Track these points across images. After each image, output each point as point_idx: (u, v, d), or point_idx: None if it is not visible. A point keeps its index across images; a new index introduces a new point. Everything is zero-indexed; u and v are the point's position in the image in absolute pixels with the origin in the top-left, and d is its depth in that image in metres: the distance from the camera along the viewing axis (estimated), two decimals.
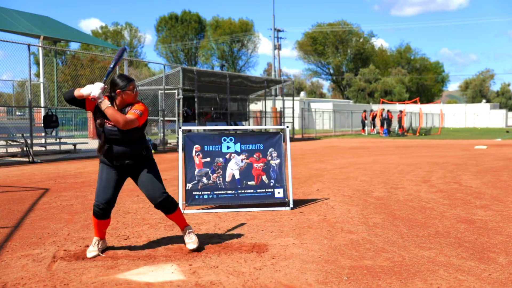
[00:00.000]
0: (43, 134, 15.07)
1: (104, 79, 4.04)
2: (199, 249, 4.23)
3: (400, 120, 33.72)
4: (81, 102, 3.99)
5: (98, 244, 4.12)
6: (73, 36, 18.31)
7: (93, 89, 3.85)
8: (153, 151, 4.33)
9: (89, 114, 25.10)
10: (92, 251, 4.06)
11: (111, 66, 4.09)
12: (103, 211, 4.02)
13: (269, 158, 6.26)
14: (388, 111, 32.98)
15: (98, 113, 3.99)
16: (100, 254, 4.07)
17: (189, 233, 4.29)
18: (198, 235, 4.65)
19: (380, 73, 74.64)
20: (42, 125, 15.01)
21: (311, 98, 61.13)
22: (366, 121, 35.88)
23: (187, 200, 5.99)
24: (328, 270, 3.69)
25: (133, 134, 4.03)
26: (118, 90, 3.98)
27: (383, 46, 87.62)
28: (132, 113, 3.95)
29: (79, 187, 8.08)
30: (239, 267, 3.77)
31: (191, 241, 4.23)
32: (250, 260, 3.95)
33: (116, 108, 3.99)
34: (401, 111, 33.53)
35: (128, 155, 4.04)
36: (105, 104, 3.87)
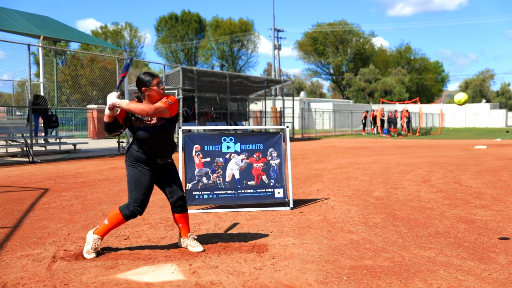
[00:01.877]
0: (42, 134, 15.08)
1: (117, 89, 4.06)
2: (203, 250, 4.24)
3: (408, 121, 33.67)
4: (118, 123, 4.00)
5: (97, 244, 4.08)
6: (73, 36, 18.31)
7: (108, 100, 3.86)
8: None
9: (89, 114, 25.12)
10: (91, 253, 4.02)
11: (121, 76, 4.12)
12: (138, 214, 4.05)
13: (269, 158, 6.26)
14: (395, 111, 32.99)
15: (132, 118, 4.00)
16: (98, 253, 4.05)
17: (194, 238, 4.30)
18: (198, 235, 4.66)
19: (380, 73, 74.64)
20: (42, 124, 15.03)
21: (311, 98, 61.14)
22: (365, 121, 35.93)
23: (187, 200, 5.99)
24: (328, 270, 3.69)
25: (169, 130, 4.03)
26: (143, 88, 3.95)
27: (383, 46, 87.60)
28: (161, 101, 3.91)
29: (79, 187, 8.08)
30: (239, 267, 3.77)
31: (197, 245, 4.24)
32: (250, 260, 3.95)
33: None
34: (407, 111, 33.48)
35: (171, 153, 4.12)
36: (124, 102, 3.85)
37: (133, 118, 4.00)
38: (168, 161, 4.13)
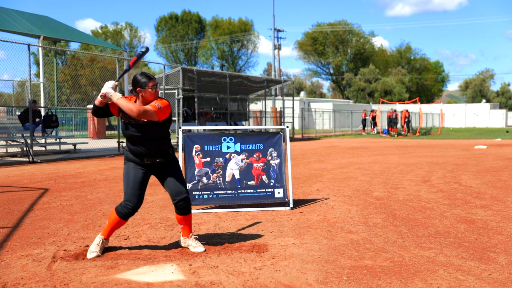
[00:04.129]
0: (39, 134, 15.07)
1: (119, 77, 4.05)
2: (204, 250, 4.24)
3: (408, 121, 33.64)
4: (108, 111, 4.00)
5: (101, 244, 4.10)
6: (73, 36, 18.31)
7: (103, 88, 3.87)
8: None
9: (89, 114, 25.11)
10: (93, 251, 4.04)
11: (130, 63, 4.10)
12: (132, 212, 4.04)
13: (269, 158, 6.26)
14: (395, 111, 32.97)
15: (121, 113, 3.99)
16: (100, 254, 4.06)
17: (195, 238, 4.29)
18: (198, 235, 4.66)
19: (380, 73, 74.62)
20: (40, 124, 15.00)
21: (311, 98, 61.13)
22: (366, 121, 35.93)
23: None
24: (328, 270, 3.69)
25: (157, 131, 3.99)
26: (138, 88, 3.95)
27: (383, 46, 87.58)
28: (151, 105, 3.90)
29: (79, 187, 8.08)
30: (239, 267, 3.77)
31: (198, 245, 4.23)
32: (250, 260, 3.95)
33: None
34: (407, 111, 33.46)
35: (158, 153, 4.05)
36: (116, 96, 3.84)
37: (121, 112, 3.99)
38: (156, 161, 4.05)
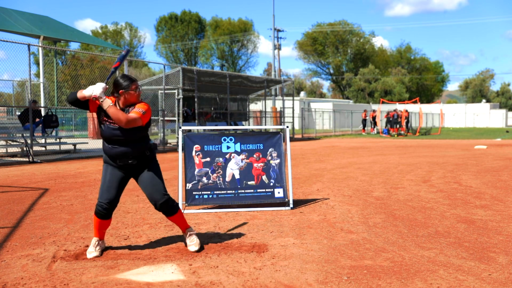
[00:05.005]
0: (39, 134, 15.07)
1: (107, 79, 4.05)
2: (200, 250, 4.23)
3: (407, 121, 33.65)
4: (85, 104, 3.99)
5: (97, 245, 4.12)
6: (73, 36, 18.31)
7: (95, 89, 3.87)
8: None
9: (89, 114, 25.11)
10: (91, 252, 4.06)
11: (114, 66, 4.11)
12: (106, 211, 4.03)
13: (269, 158, 6.26)
14: (395, 110, 32.96)
15: (102, 114, 4.00)
16: (99, 255, 4.06)
17: (190, 235, 4.29)
18: (198, 235, 4.65)
19: (380, 73, 74.62)
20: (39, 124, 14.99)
21: (311, 98, 61.13)
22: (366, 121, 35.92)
23: (187, 200, 5.99)
24: (328, 270, 3.69)
25: (136, 133, 4.01)
26: (121, 91, 3.97)
27: (383, 46, 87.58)
28: (135, 112, 3.94)
29: (79, 187, 8.08)
30: (239, 267, 3.77)
31: (192, 243, 4.23)
32: (250, 260, 3.95)
33: (119, 108, 3.99)
34: (407, 111, 33.47)
35: (131, 155, 4.02)
36: (107, 103, 3.86)
37: (103, 113, 3.99)
38: (128, 162, 4.03)
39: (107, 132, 3.98)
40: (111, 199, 4.02)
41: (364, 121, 36.35)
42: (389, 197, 7.01)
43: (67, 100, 4.03)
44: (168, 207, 4.14)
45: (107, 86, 3.96)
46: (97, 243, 4.13)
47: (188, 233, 4.29)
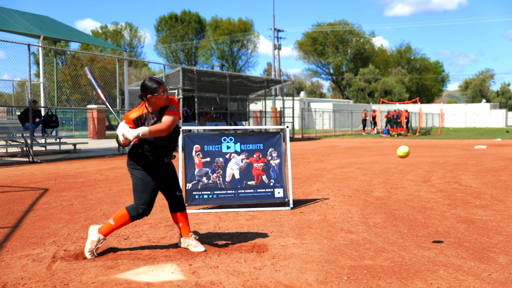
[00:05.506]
0: (39, 134, 15.08)
1: (112, 112, 4.16)
2: (205, 250, 4.23)
3: (407, 121, 33.64)
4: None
5: (100, 243, 4.09)
6: (73, 36, 18.31)
7: (127, 133, 3.80)
8: None
9: (89, 114, 25.11)
10: (93, 253, 4.03)
11: (96, 88, 4.24)
12: (145, 215, 4.08)
13: (269, 158, 6.26)
14: (395, 110, 32.95)
15: (139, 124, 3.98)
16: (96, 255, 4.05)
17: (195, 238, 4.30)
18: (198, 235, 4.65)
19: (380, 73, 74.61)
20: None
21: (311, 98, 61.13)
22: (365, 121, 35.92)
23: (187, 200, 5.99)
24: (328, 270, 3.69)
25: (176, 128, 4.11)
26: (149, 95, 3.93)
27: (383, 46, 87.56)
28: (169, 111, 3.96)
29: (79, 187, 8.08)
30: (239, 267, 3.77)
31: (198, 245, 4.24)
32: (250, 260, 3.95)
33: (149, 112, 3.97)
34: (406, 111, 33.47)
35: (173, 150, 4.16)
36: (144, 130, 3.81)
37: (139, 124, 3.95)
38: (173, 157, 4.19)
39: (154, 138, 3.94)
40: (153, 204, 4.09)
41: (364, 121, 36.35)
42: (389, 197, 7.01)
43: (120, 144, 4.05)
44: (182, 199, 4.28)
45: (124, 121, 3.91)
46: (102, 241, 4.08)
47: (193, 236, 4.29)
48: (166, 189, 4.22)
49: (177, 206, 4.24)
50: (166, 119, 3.91)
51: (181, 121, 18.30)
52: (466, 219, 5.48)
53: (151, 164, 4.03)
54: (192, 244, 4.24)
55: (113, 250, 4.24)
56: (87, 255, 4.01)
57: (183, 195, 4.32)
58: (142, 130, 3.82)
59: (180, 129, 6.14)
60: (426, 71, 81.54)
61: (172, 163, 4.26)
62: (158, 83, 3.95)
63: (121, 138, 3.84)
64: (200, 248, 4.20)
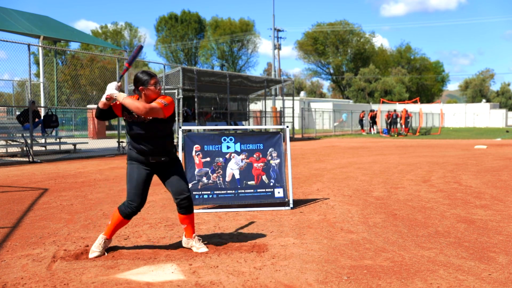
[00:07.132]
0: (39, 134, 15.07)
1: (119, 79, 4.07)
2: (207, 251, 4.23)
3: (408, 121, 33.63)
4: (110, 112, 4.02)
5: (103, 244, 4.10)
6: (73, 36, 18.31)
7: (107, 89, 3.88)
8: None
9: (89, 114, 25.11)
10: (95, 251, 4.05)
11: (126, 65, 4.12)
12: (135, 211, 4.05)
13: (269, 158, 6.26)
14: (395, 111, 32.93)
15: (125, 112, 4.00)
16: (103, 254, 4.07)
17: (199, 239, 4.29)
18: (198, 235, 4.65)
19: (380, 73, 74.60)
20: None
21: (311, 98, 61.11)
22: (364, 121, 35.91)
23: None
24: (328, 270, 3.69)
25: (162, 130, 4.01)
26: (140, 87, 3.95)
27: (383, 46, 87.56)
28: (156, 102, 3.90)
29: (79, 187, 8.08)
30: (239, 267, 3.77)
31: (201, 246, 4.23)
32: (250, 260, 3.95)
33: None
34: (407, 111, 33.45)
35: (163, 152, 4.05)
36: (121, 96, 3.85)
37: (125, 112, 4.00)
38: (161, 159, 4.06)
39: (135, 130, 3.97)
40: (142, 200, 4.05)
41: (361, 121, 36.29)
42: (389, 197, 7.01)
43: (96, 117, 4.05)
44: (190, 202, 4.18)
45: (120, 84, 3.95)
46: (104, 241, 4.10)
47: (196, 237, 4.28)
48: (169, 190, 4.20)
49: (179, 208, 4.20)
50: (149, 104, 3.86)
51: (181, 121, 18.30)
52: (466, 219, 5.48)
53: (139, 160, 4.05)
54: (195, 245, 4.23)
55: (113, 250, 4.24)
56: (89, 254, 4.05)
57: (190, 197, 4.18)
58: (120, 94, 3.86)
59: (180, 129, 6.16)
60: (426, 71, 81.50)
61: (175, 167, 4.16)
62: (149, 75, 3.96)
63: (105, 94, 3.90)
64: (203, 249, 4.20)
